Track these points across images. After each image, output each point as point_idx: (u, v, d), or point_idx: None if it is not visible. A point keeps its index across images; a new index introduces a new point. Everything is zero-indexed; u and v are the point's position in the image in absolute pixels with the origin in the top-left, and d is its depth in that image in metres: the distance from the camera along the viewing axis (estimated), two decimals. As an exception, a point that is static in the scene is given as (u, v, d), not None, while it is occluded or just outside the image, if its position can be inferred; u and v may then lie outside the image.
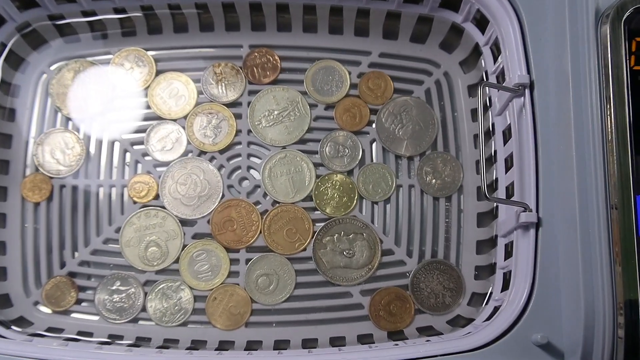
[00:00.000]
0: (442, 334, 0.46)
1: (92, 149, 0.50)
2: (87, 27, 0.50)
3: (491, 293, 0.45)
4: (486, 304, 0.45)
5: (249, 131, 0.50)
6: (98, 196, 0.49)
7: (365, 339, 0.47)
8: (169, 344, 0.46)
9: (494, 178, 0.47)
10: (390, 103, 0.50)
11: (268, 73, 0.51)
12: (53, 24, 0.49)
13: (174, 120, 0.50)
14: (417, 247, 0.48)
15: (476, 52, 0.49)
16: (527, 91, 0.42)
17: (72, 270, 0.48)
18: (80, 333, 0.46)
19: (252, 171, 0.50)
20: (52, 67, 0.51)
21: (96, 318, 0.47)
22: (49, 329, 0.46)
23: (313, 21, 0.50)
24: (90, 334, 0.46)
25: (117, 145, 0.50)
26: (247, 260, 0.48)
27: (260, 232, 0.48)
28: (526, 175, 0.41)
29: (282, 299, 0.47)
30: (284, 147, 0.50)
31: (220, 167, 0.50)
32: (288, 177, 0.49)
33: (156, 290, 0.47)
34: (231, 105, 0.51)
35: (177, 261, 0.48)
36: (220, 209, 0.49)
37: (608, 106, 0.39)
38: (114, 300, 0.47)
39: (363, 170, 0.49)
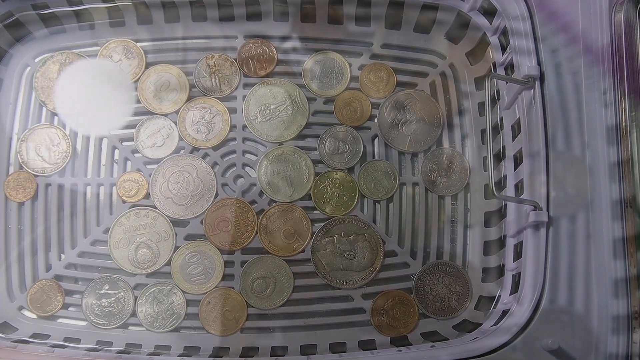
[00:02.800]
0: (447, 339, 0.46)
1: (79, 146, 0.50)
2: (73, 17, 0.50)
3: (499, 296, 0.45)
4: (494, 307, 0.45)
5: (244, 126, 0.50)
6: (85, 195, 0.49)
7: (367, 345, 0.47)
8: (160, 350, 0.46)
9: (503, 175, 0.47)
10: (393, 96, 0.50)
11: (264, 65, 0.51)
12: (37, 13, 0.49)
13: (165, 115, 0.50)
14: (422, 249, 0.48)
15: (483, 42, 0.49)
16: (537, 83, 0.42)
17: (58, 274, 0.48)
18: (67, 339, 0.47)
19: (247, 168, 0.50)
20: (37, 60, 0.50)
21: (84, 323, 0.47)
22: (34, 335, 0.47)
23: (311, 10, 0.50)
24: (77, 340, 0.47)
25: (105, 142, 0.50)
26: (243, 263, 0.48)
27: (256, 232, 0.48)
28: (536, 172, 0.41)
29: (279, 303, 0.47)
30: (281, 143, 0.50)
31: (214, 165, 0.50)
32: (285, 174, 0.49)
33: (147, 294, 0.47)
34: (225, 99, 0.50)
35: (168, 263, 0.48)
36: (214, 209, 0.49)
37: (623, 99, 0.39)
38: (103, 304, 0.47)
39: (364, 167, 0.49)
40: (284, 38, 0.51)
